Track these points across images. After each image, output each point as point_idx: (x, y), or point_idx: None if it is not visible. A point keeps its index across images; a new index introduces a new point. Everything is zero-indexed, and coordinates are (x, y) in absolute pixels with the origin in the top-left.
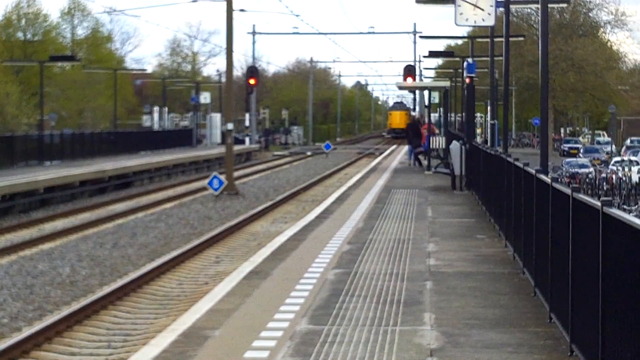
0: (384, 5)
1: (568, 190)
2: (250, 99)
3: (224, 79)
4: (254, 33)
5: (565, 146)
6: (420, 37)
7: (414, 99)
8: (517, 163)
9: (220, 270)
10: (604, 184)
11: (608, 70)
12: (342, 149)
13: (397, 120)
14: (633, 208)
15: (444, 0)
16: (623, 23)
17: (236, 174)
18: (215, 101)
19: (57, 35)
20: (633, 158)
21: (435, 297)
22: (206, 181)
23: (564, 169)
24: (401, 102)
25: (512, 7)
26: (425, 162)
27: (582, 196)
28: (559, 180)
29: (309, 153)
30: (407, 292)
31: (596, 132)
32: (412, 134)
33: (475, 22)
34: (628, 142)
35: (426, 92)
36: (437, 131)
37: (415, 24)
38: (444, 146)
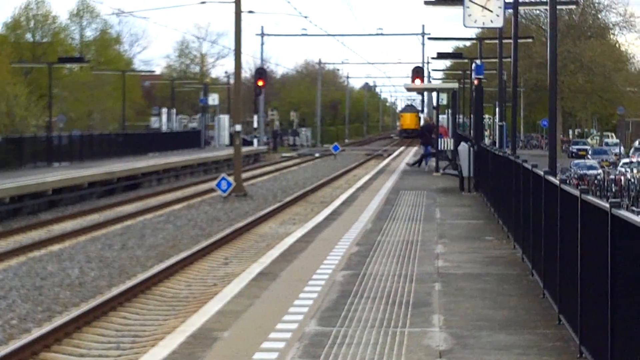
0: (393, 6)
1: (577, 192)
2: (259, 101)
3: (232, 81)
4: (262, 34)
5: (574, 148)
6: (429, 38)
7: (422, 101)
8: (525, 164)
9: (229, 271)
10: (613, 185)
11: (616, 72)
12: (351, 151)
13: (408, 121)
14: None
15: (452, 1)
16: (632, 24)
17: (244, 175)
18: (223, 103)
19: (65, 37)
20: None
21: (444, 298)
22: (214, 183)
23: (572, 171)
24: (412, 105)
25: (521, 9)
26: (431, 164)
27: (590, 198)
28: (568, 181)
29: (317, 154)
30: (416, 293)
31: (604, 133)
32: (427, 136)
33: (483, 23)
34: (637, 143)
35: (434, 94)
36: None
37: (423, 26)
38: (452, 148)
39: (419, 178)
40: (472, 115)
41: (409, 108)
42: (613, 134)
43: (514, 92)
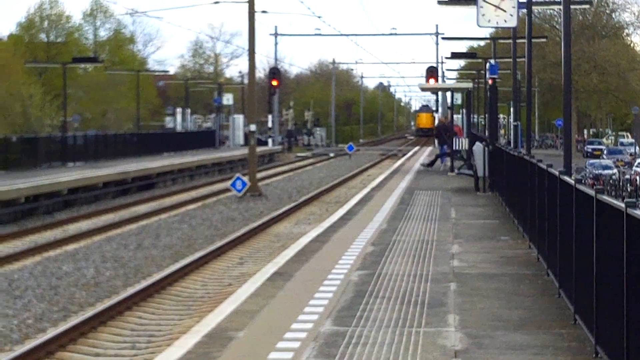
0: (406, 6)
1: (592, 192)
2: (273, 101)
3: (246, 81)
4: (276, 34)
5: (589, 147)
6: (443, 38)
7: (437, 101)
8: (540, 164)
9: (244, 271)
10: (628, 185)
11: (631, 71)
12: (365, 151)
13: (424, 121)
14: None
15: (466, 1)
16: None
17: (259, 175)
18: (237, 102)
19: (79, 37)
20: None
21: (459, 298)
22: (229, 182)
23: (587, 171)
24: (427, 105)
25: (535, 8)
26: (447, 164)
27: (606, 197)
28: (583, 181)
29: (331, 154)
30: (431, 293)
31: (619, 133)
32: (444, 136)
33: (497, 23)
34: None
35: (449, 94)
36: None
37: (437, 25)
38: (467, 147)
39: (434, 178)
40: (486, 115)
41: (425, 108)
42: (628, 134)
43: (528, 92)
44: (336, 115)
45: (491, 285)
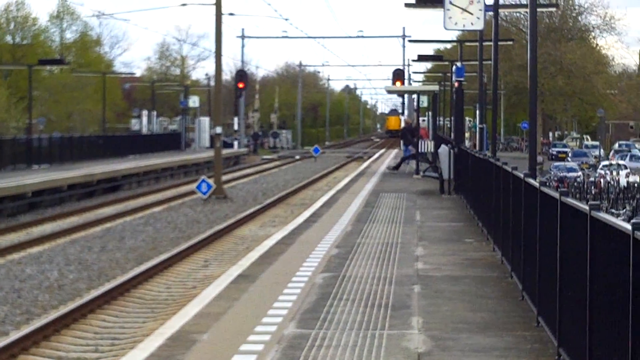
0: (373, 9)
1: (556, 194)
2: (239, 103)
3: (212, 83)
4: (243, 37)
5: (554, 150)
6: (409, 41)
7: (403, 103)
8: (505, 167)
9: (209, 274)
10: (593, 188)
11: (596, 74)
12: (331, 153)
13: (393, 123)
14: (621, 212)
15: (433, 4)
16: (612, 27)
17: (225, 177)
18: (204, 105)
19: (45, 39)
20: (621, 162)
21: (423, 301)
22: (195, 185)
23: (552, 173)
24: (396, 109)
25: (501, 12)
26: (412, 166)
27: (570, 200)
28: (548, 184)
29: (297, 157)
30: (395, 295)
31: (573, 136)
32: (409, 137)
33: (464, 26)
34: (616, 146)
35: (415, 96)
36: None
37: (404, 28)
38: (432, 150)
39: (399, 180)
40: (452, 118)
41: (394, 112)
42: (588, 137)
43: (494, 95)
44: (302, 118)
45: (455, 288)
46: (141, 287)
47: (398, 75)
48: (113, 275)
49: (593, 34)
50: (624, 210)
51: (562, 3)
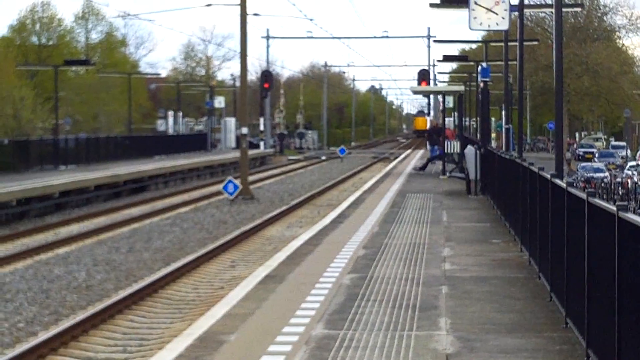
0: (398, 9)
1: (583, 195)
2: (265, 103)
3: (238, 83)
4: (267, 37)
5: (580, 150)
6: (435, 41)
7: (428, 104)
8: (532, 167)
9: (236, 274)
10: (620, 188)
11: (623, 75)
12: (357, 154)
13: (420, 123)
14: None
15: (458, 4)
16: (638, 27)
17: (251, 178)
18: (229, 105)
19: (71, 40)
20: None
21: (450, 301)
22: (221, 185)
23: (579, 174)
24: (422, 111)
25: (526, 11)
26: (438, 167)
27: (597, 201)
28: (574, 184)
29: (323, 157)
30: (423, 296)
31: (597, 137)
32: (434, 137)
33: (489, 26)
34: None
35: (440, 97)
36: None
37: (429, 28)
38: (458, 151)
39: (426, 181)
40: (478, 118)
41: (421, 113)
42: (612, 138)
43: (520, 95)
44: (328, 118)
45: (483, 289)
46: (169, 287)
47: (423, 75)
48: (140, 275)
49: (618, 34)
50: None
51: (588, 3)
